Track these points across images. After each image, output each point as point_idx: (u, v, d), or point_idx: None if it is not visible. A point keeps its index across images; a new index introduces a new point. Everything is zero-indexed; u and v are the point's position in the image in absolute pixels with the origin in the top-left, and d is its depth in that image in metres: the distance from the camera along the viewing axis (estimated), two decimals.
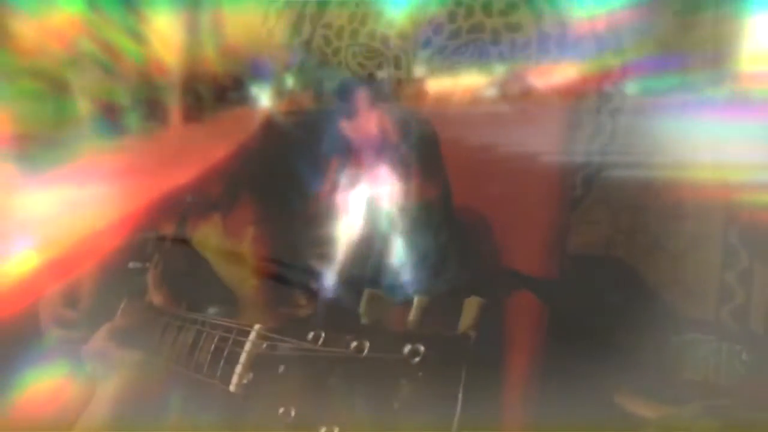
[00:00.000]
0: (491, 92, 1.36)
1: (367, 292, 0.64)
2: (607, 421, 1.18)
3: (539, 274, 1.32)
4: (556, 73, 1.30)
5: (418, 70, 1.38)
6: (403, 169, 1.10)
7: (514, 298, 1.27)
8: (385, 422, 0.55)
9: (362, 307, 0.63)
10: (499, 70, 1.34)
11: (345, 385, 0.59)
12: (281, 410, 0.62)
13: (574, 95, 1.31)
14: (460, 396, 0.52)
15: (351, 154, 1.08)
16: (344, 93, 1.22)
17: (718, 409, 1.19)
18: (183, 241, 1.12)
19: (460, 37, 1.40)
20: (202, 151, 1.09)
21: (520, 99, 1.33)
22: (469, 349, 0.54)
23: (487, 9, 1.38)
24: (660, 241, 1.33)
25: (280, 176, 1.07)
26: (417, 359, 0.55)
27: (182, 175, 1.07)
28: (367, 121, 1.12)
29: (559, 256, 1.35)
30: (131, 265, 1.15)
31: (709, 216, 1.30)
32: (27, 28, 1.16)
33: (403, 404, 0.55)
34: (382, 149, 1.09)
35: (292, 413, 0.61)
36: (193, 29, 1.16)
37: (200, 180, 1.07)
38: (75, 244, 1.09)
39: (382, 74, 1.42)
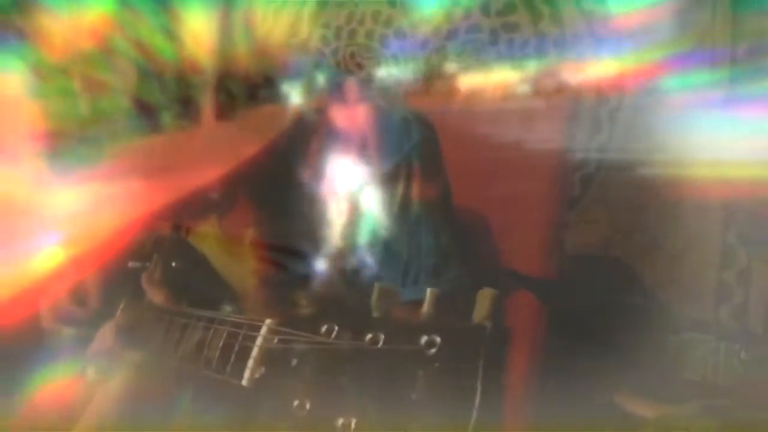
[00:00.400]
0: (524, 88, 1.36)
1: (377, 286, 0.64)
2: (606, 420, 1.18)
3: (538, 274, 1.32)
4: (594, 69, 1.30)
5: (450, 67, 1.39)
6: (400, 167, 1.10)
7: (514, 298, 1.28)
8: (403, 414, 0.55)
9: (373, 301, 0.63)
10: (532, 66, 1.35)
11: (361, 378, 0.59)
12: (296, 403, 0.62)
13: (613, 91, 1.31)
14: (479, 387, 0.52)
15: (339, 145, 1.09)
16: (336, 85, 1.23)
17: (716, 409, 1.19)
18: (183, 240, 1.12)
19: (457, 37, 1.40)
20: (232, 149, 1.10)
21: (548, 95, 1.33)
22: (485, 339, 0.54)
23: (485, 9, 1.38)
24: (658, 241, 1.34)
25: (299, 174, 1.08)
26: (433, 350, 0.56)
27: (212, 173, 1.07)
28: (354, 113, 1.12)
29: (557, 256, 1.36)
30: (131, 264, 1.15)
31: (707, 215, 1.31)
32: (60, 25, 1.16)
33: (420, 395, 0.55)
34: (367, 142, 1.09)
35: (307, 406, 0.61)
36: (225, 27, 1.16)
37: (228, 177, 1.08)
38: (101, 241, 1.09)
39: (380, 73, 1.43)
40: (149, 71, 1.15)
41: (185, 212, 1.11)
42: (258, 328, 0.72)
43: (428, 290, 0.62)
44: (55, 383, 1.07)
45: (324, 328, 0.64)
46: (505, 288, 1.24)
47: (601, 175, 1.37)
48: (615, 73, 1.31)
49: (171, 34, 1.14)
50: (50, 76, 1.16)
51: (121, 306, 1.12)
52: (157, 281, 1.10)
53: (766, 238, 1.28)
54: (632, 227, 1.36)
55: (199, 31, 1.14)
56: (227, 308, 0.93)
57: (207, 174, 1.07)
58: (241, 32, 1.16)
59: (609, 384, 1.24)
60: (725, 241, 1.30)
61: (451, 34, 1.40)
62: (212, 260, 1.09)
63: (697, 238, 1.32)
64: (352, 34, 1.45)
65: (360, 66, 1.46)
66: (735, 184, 1.23)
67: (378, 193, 1.09)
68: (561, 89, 1.34)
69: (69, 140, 1.15)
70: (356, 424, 0.57)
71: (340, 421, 0.58)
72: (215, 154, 1.11)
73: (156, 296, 1.08)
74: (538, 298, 1.30)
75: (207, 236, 1.12)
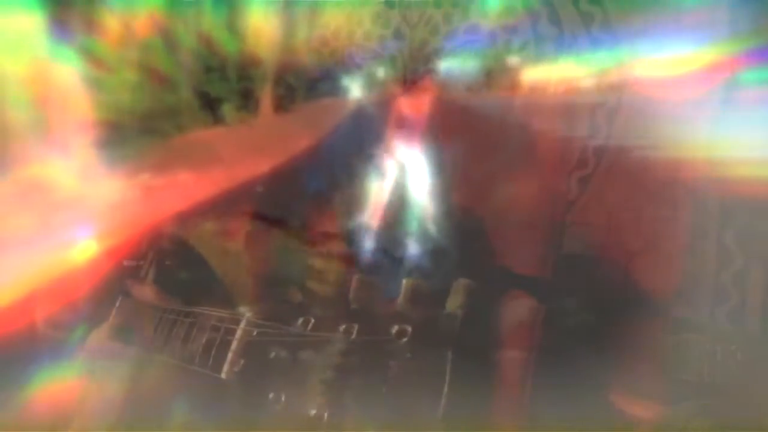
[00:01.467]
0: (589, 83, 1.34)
1: (356, 278, 0.64)
2: (601, 420, 1.18)
3: (534, 274, 1.32)
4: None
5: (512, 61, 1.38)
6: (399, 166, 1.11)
7: (509, 297, 1.27)
8: (375, 403, 0.56)
9: (351, 293, 0.64)
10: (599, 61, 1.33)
11: (335, 369, 0.59)
12: (272, 395, 0.62)
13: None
14: (447, 374, 0.52)
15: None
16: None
17: (713, 409, 1.19)
18: (180, 238, 1.12)
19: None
20: (288, 141, 1.10)
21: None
22: (455, 328, 0.54)
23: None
24: (654, 241, 1.33)
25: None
26: (405, 339, 0.56)
27: (264, 164, 1.08)
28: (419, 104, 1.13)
29: (554, 256, 1.35)
30: (126, 263, 1.15)
31: (704, 216, 1.30)
32: (125, 20, 1.17)
33: (392, 384, 0.55)
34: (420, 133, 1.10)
35: (283, 398, 0.62)
36: (287, 21, 1.17)
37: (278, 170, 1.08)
38: (143, 232, 1.09)
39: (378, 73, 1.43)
40: (211, 63, 1.15)
41: (228, 204, 1.11)
42: (238, 322, 0.73)
43: (404, 281, 0.62)
44: (55, 383, 1.08)
45: (300, 321, 0.65)
46: (501, 287, 1.24)
47: (598, 175, 1.37)
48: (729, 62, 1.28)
49: (233, 28, 1.15)
50: (110, 68, 1.17)
51: (117, 304, 1.13)
52: (146, 280, 1.11)
53: (764, 239, 1.27)
54: (629, 228, 1.35)
55: (260, 24, 1.14)
56: (215, 306, 0.93)
57: (260, 166, 1.08)
58: (303, 26, 1.17)
59: (605, 384, 1.24)
60: (722, 242, 1.29)
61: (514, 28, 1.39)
62: (208, 258, 1.10)
63: (693, 239, 1.31)
64: (351, 34, 1.45)
65: (358, 65, 1.46)
66: (732, 184, 1.23)
67: (374, 191, 1.09)
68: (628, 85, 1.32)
69: (128, 131, 1.16)
70: (328, 414, 0.57)
71: (313, 412, 0.58)
72: (270, 146, 1.11)
73: (143, 295, 1.08)
74: (533, 298, 1.29)
75: (205, 234, 1.12)
